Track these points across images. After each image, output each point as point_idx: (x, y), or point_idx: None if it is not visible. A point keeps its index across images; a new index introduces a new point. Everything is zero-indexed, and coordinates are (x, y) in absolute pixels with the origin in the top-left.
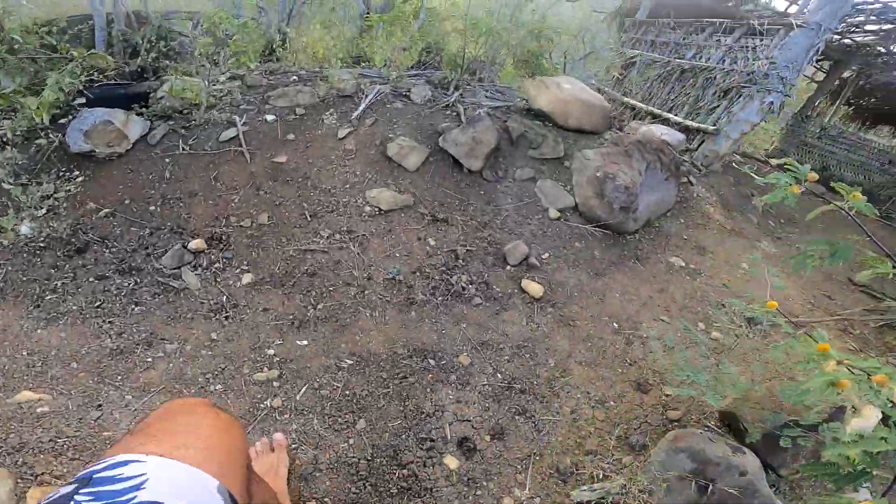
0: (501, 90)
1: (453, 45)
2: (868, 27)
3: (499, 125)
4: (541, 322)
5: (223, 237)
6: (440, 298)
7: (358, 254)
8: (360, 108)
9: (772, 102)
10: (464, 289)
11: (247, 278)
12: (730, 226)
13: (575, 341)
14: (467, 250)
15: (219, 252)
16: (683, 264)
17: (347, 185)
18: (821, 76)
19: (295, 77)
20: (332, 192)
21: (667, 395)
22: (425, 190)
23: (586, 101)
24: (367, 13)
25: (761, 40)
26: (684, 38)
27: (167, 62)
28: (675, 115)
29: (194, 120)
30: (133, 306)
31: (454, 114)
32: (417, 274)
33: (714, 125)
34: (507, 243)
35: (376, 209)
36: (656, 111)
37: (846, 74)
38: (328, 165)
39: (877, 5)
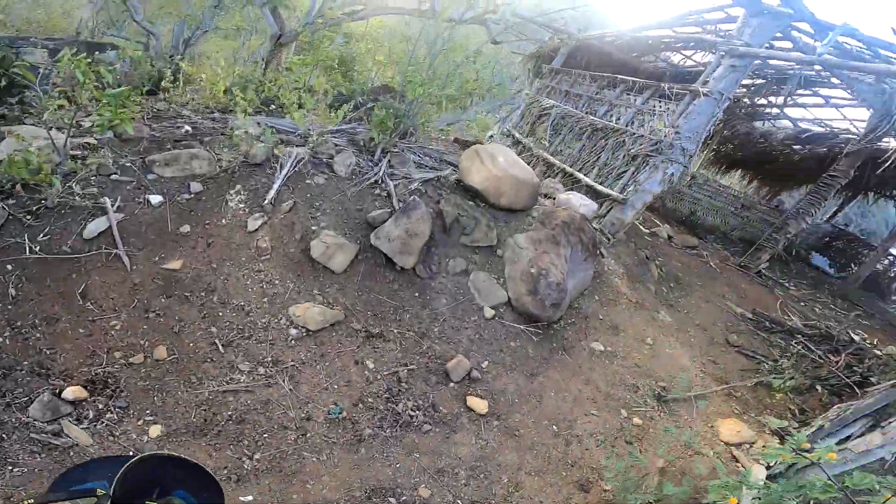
0: (431, 154)
1: (379, 110)
2: (742, 81)
3: (432, 208)
4: (489, 438)
5: (109, 380)
6: (388, 430)
7: (290, 390)
8: (275, 186)
9: (672, 174)
10: (412, 416)
11: (155, 430)
12: (635, 298)
13: (522, 451)
14: (409, 370)
15: (107, 400)
16: (602, 348)
17: (266, 300)
18: None
19: (188, 127)
20: (246, 310)
21: (606, 490)
22: (356, 298)
23: (518, 179)
24: (280, 36)
25: (667, 105)
26: (597, 93)
27: (13, 104)
28: (587, 175)
29: (45, 200)
30: (9, 467)
31: (384, 193)
32: (360, 406)
33: (622, 193)
34: (447, 356)
35: (303, 330)
36: (569, 170)
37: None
38: (238, 271)
39: (757, 61)
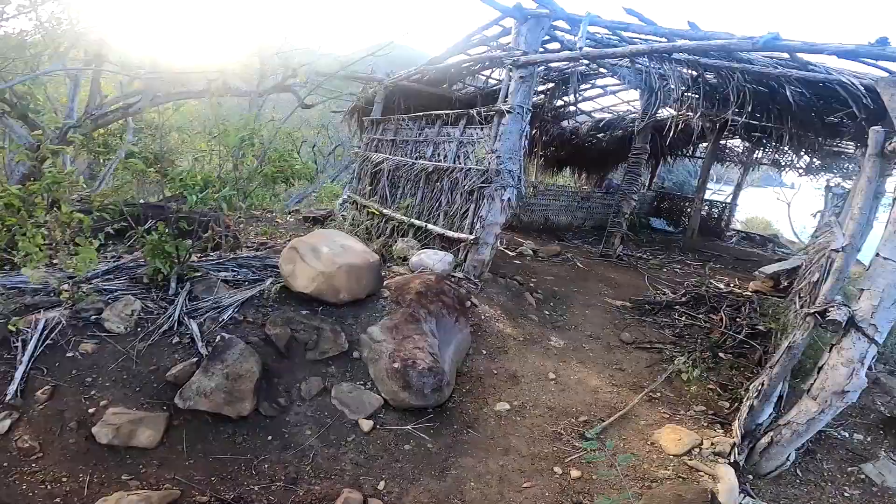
0: (250, 263)
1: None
2: (538, 88)
3: (258, 336)
4: None
5: None
6: None
7: None
8: (18, 374)
9: (510, 199)
10: None
11: None
12: (522, 335)
13: None
14: None
15: None
16: (509, 406)
17: (59, 501)
18: None
19: None
20: None
21: None
22: (190, 468)
23: (353, 266)
24: (38, 146)
25: (483, 130)
26: (420, 133)
27: None
28: (435, 223)
29: None
30: None
31: (186, 340)
32: None
33: (472, 232)
34: (332, 494)
35: None
36: (417, 223)
37: (532, 132)
38: (7, 477)
39: (540, 67)
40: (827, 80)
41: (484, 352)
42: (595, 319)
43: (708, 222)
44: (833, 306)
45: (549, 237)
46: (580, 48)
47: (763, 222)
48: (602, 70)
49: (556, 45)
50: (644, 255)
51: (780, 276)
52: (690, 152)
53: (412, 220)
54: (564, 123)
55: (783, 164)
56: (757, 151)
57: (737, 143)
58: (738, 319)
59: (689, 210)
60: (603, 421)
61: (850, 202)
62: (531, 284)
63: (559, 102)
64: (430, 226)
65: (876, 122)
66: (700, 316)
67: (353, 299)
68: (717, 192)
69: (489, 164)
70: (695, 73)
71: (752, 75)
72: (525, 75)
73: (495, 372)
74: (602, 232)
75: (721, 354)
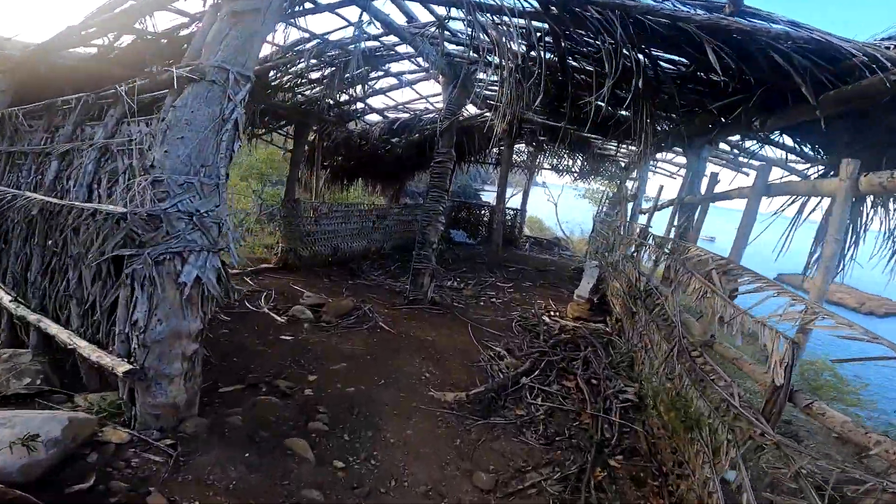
0: None
1: None
2: (312, 75)
3: None
4: None
5: None
6: None
7: None
8: None
9: (201, 279)
10: None
11: None
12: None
13: None
14: None
15: None
16: None
17: None
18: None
19: None
20: None
21: None
22: None
23: None
24: None
25: (148, 124)
26: (46, 141)
27: None
28: (65, 318)
29: None
30: None
31: None
32: None
33: (131, 355)
34: None
35: None
36: (32, 319)
37: (311, 138)
38: None
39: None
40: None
41: None
42: (423, 446)
43: (506, 233)
44: None
45: (341, 273)
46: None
47: (536, 221)
48: (403, 49)
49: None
50: (456, 284)
51: (592, 294)
52: (484, 156)
53: (24, 311)
54: (352, 126)
55: (561, 168)
56: (539, 156)
57: (521, 147)
58: (594, 383)
59: (485, 219)
60: None
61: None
62: (307, 396)
63: (343, 97)
64: (48, 325)
65: None
66: (555, 390)
67: None
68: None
69: (139, 197)
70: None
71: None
72: (245, 9)
73: None
74: (405, 254)
75: (611, 462)
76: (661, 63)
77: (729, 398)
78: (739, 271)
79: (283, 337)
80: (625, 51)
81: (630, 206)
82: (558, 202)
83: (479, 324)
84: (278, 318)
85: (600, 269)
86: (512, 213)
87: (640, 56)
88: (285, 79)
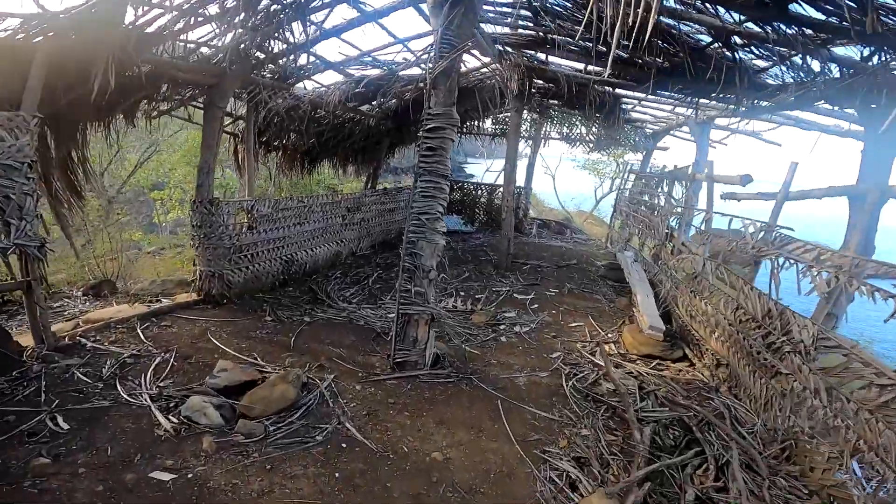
0: None
1: None
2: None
3: None
4: None
5: None
6: None
7: None
8: None
9: None
10: None
11: None
12: None
13: None
14: None
15: None
16: None
17: None
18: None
19: None
20: None
21: None
22: None
23: None
24: None
25: None
26: None
27: None
28: None
29: None
30: None
31: None
32: None
33: None
34: None
35: None
36: None
37: (242, 111)
38: None
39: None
40: None
41: None
42: None
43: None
44: None
45: (296, 300)
46: None
47: (533, 197)
48: None
49: None
50: (459, 304)
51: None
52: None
53: None
54: (300, 89)
55: (573, 138)
56: (546, 125)
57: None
58: None
59: (482, 200)
60: None
61: None
62: None
63: (279, 48)
64: None
65: None
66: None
67: None
68: (489, 170)
69: None
70: None
71: None
72: None
73: None
74: (387, 254)
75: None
76: None
77: None
78: None
79: (154, 476)
80: None
81: (701, 186)
82: (555, 174)
83: (512, 395)
84: (162, 422)
85: (644, 265)
86: (516, 192)
87: None
88: (167, 19)
